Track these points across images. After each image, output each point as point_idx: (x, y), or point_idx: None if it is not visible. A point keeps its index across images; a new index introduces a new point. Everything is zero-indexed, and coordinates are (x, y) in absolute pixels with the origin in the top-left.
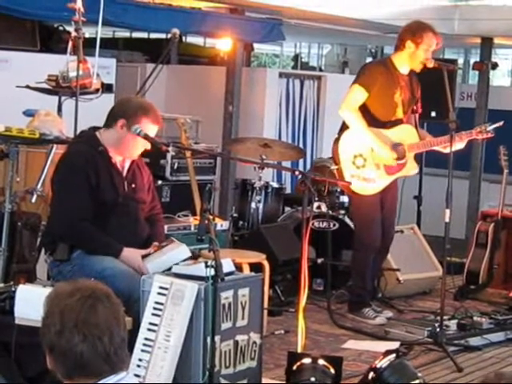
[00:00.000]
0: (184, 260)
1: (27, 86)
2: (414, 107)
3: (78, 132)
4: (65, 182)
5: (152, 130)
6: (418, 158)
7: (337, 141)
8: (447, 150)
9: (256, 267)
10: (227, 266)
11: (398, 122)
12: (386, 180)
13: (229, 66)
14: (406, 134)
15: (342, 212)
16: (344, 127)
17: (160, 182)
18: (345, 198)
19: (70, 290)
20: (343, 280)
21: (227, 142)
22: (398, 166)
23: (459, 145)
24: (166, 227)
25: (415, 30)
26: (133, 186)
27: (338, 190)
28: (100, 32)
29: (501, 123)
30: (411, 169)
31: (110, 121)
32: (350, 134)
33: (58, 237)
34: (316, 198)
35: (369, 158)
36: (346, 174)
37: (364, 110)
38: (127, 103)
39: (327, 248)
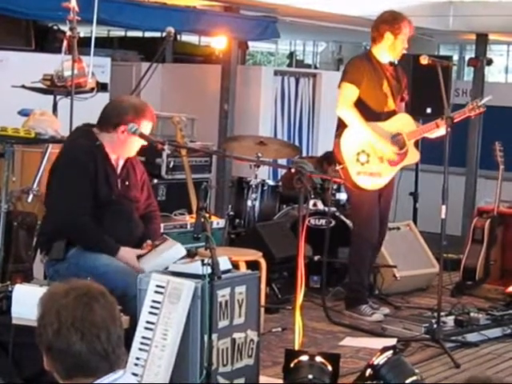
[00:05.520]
0: (180, 258)
1: (22, 86)
2: (402, 95)
3: (73, 129)
4: (66, 176)
5: (147, 126)
6: None
7: (337, 140)
8: (433, 136)
9: (253, 265)
10: (224, 263)
11: (392, 112)
12: (391, 172)
13: (224, 64)
14: (403, 122)
15: (334, 209)
16: (341, 126)
17: (156, 181)
18: (341, 196)
19: (64, 290)
20: (340, 277)
21: (223, 140)
22: (400, 156)
23: (441, 131)
24: (162, 226)
25: (392, 21)
26: (126, 183)
27: (334, 187)
28: (95, 31)
29: (490, 97)
30: (413, 157)
31: (108, 126)
32: (349, 132)
33: (56, 231)
34: (312, 196)
35: (372, 153)
36: (352, 173)
37: (358, 105)
38: (122, 107)
39: (324, 245)
